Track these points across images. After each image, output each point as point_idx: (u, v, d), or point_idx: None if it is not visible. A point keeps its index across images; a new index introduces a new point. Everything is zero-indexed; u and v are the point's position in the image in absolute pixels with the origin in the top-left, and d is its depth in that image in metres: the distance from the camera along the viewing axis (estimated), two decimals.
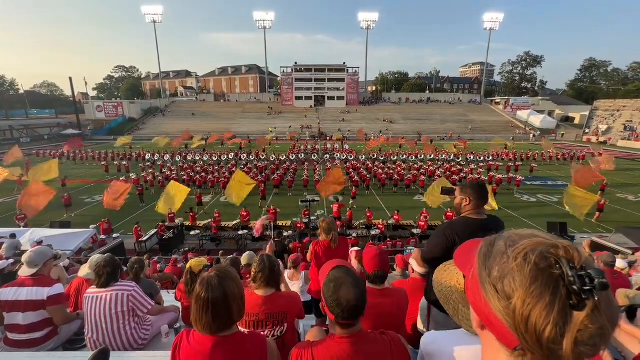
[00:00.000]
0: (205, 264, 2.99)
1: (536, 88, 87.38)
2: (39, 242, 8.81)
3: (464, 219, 2.04)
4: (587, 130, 53.19)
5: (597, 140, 48.51)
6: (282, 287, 2.00)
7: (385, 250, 1.87)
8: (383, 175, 20.79)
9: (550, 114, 62.72)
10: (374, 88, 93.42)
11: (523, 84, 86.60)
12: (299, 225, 12.79)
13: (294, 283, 3.49)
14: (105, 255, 2.42)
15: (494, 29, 69.78)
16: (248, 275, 3.00)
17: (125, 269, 3.51)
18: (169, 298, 4.22)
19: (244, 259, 3.33)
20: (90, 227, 11.95)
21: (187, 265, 2.81)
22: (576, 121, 61.48)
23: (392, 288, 1.90)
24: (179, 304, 3.00)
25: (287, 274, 3.59)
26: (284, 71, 67.57)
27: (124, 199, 14.36)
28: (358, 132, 46.68)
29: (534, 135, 51.93)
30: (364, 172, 22.57)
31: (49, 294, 2.43)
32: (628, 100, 56.57)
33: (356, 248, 3.89)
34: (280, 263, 2.18)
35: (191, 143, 35.98)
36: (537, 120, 57.58)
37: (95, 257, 2.79)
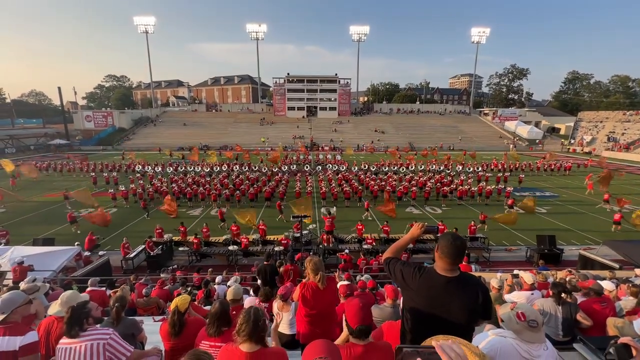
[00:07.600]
0: (191, 300, 2.89)
1: (523, 99, 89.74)
2: (20, 263, 8.51)
3: (431, 270, 1.94)
4: (572, 141, 54.61)
5: (582, 150, 49.78)
6: (270, 341, 1.92)
7: (368, 302, 1.82)
8: (375, 187, 20.84)
9: (537, 124, 64.36)
10: (366, 99, 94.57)
11: (510, 96, 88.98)
12: (283, 241, 12.47)
13: (283, 314, 3.39)
14: (78, 300, 2.27)
15: (480, 42, 71.85)
16: (234, 312, 2.91)
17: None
18: (154, 327, 4.01)
19: (229, 294, 3.22)
20: (75, 244, 11.59)
21: (172, 305, 2.70)
22: (562, 132, 63.13)
23: (376, 343, 1.84)
24: (161, 346, 2.87)
25: (276, 305, 3.50)
26: (276, 82, 67.98)
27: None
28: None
29: (515, 146, 52.88)
30: (356, 184, 22.59)
31: (22, 344, 2.29)
32: (610, 112, 58.71)
33: (345, 282, 3.84)
34: (267, 316, 2.10)
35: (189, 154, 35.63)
36: (524, 130, 58.95)
37: (67, 295, 2.66)
